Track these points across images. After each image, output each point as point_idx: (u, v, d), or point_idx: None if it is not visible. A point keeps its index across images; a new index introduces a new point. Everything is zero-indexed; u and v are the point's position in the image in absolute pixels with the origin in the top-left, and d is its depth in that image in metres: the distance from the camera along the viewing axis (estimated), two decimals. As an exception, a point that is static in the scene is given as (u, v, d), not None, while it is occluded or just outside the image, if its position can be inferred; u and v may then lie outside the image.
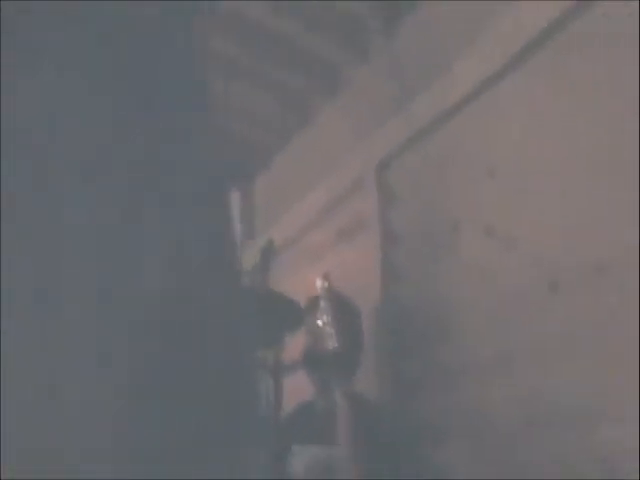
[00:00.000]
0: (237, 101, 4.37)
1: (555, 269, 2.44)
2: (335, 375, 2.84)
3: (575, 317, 2.36)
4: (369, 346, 3.17)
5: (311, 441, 2.78)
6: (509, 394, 2.58)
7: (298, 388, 2.97)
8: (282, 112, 4.48)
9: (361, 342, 3.04)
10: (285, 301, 2.72)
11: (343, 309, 2.98)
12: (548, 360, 2.43)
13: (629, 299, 2.14)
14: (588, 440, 2.23)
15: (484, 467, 2.65)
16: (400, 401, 3.10)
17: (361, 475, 2.53)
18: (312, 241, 4.05)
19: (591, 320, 2.29)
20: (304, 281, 3.97)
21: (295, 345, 2.91)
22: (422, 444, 2.90)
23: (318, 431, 2.83)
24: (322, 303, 2.40)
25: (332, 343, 2.29)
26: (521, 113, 2.70)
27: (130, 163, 0.87)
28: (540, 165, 2.58)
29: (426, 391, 3.01)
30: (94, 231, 0.83)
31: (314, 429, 2.86)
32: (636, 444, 2.02)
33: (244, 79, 4.17)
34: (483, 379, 2.73)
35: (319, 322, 2.42)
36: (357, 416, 2.79)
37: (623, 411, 2.15)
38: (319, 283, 2.42)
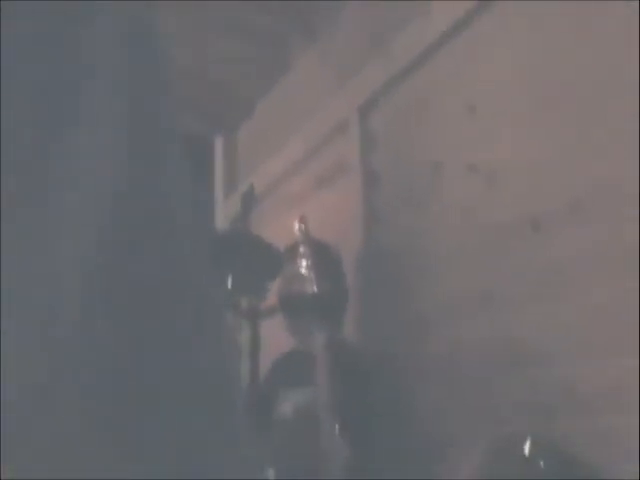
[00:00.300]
0: (216, 49, 4.31)
1: (536, 207, 2.41)
2: (316, 321, 2.82)
3: (557, 256, 2.33)
4: (350, 290, 3.15)
5: (295, 385, 2.77)
6: (488, 335, 2.56)
7: (277, 335, 2.96)
8: (262, 58, 4.41)
9: (342, 287, 3.01)
10: (265, 246, 2.68)
11: (322, 253, 2.95)
12: (528, 301, 2.40)
13: (608, 235, 2.11)
14: (566, 380, 2.21)
15: (461, 410, 2.64)
16: (380, 345, 3.07)
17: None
18: (293, 187, 4.00)
19: (573, 258, 2.27)
20: (285, 228, 3.94)
21: (275, 291, 2.89)
22: (401, 389, 2.88)
23: (300, 377, 2.82)
24: (301, 247, 2.35)
25: (312, 288, 2.25)
26: (501, 50, 2.64)
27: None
28: (520, 102, 2.53)
29: (406, 334, 2.99)
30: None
31: (296, 375, 2.85)
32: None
33: (222, 26, 4.10)
34: (463, 321, 2.71)
35: (299, 267, 2.37)
36: (337, 363, 2.77)
37: (605, 351, 2.13)
38: (296, 226, 2.37)
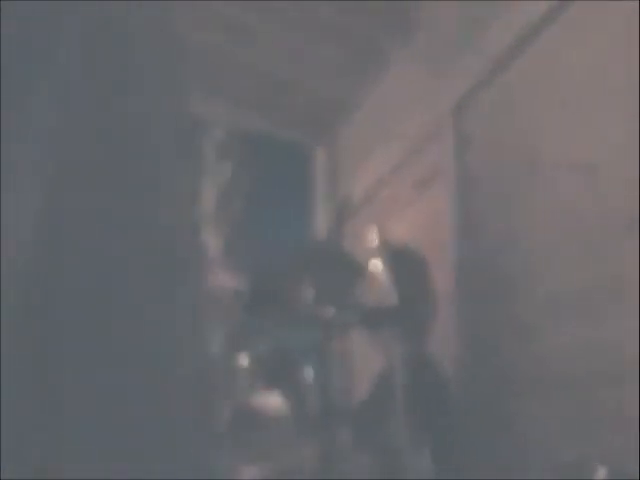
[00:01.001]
0: (312, 56, 4.29)
1: (634, 204, 2.26)
2: (394, 333, 2.72)
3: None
4: (437, 299, 3.05)
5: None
6: (589, 338, 2.42)
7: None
8: (358, 62, 4.36)
9: (426, 297, 2.90)
10: (349, 258, 2.60)
11: (404, 262, 2.86)
12: (627, 302, 2.26)
13: None
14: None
15: (566, 421, 2.50)
16: (477, 356, 2.96)
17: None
18: (391, 192, 3.92)
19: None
20: (383, 234, 3.88)
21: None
22: (499, 400, 2.76)
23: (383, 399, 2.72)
24: (379, 257, 2.26)
25: (389, 299, 2.16)
26: (593, 39, 2.50)
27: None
28: (618, 92, 2.39)
29: (505, 342, 2.86)
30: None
31: (380, 397, 2.75)
32: None
33: (318, 30, 4.07)
34: (562, 326, 2.57)
35: (379, 278, 2.28)
36: (415, 378, 2.65)
37: None
38: (370, 237, 2.28)
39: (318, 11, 3.93)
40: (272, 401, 2.24)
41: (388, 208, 3.89)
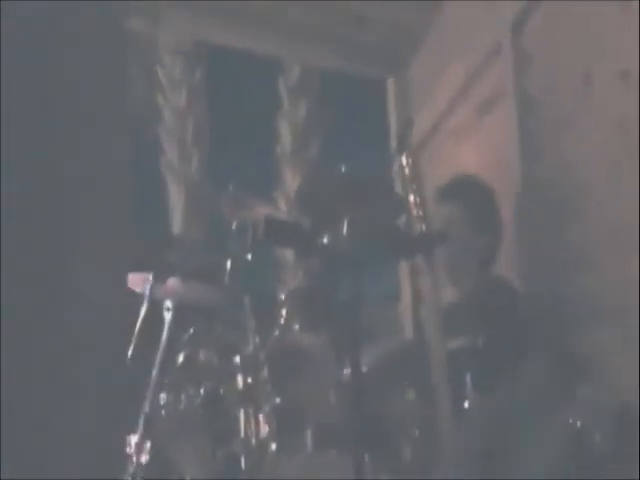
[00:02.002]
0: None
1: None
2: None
3: None
4: (511, 223, 2.94)
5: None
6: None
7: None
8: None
9: (495, 224, 2.81)
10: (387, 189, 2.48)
11: (471, 192, 2.78)
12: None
13: None
14: None
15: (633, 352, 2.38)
16: (540, 283, 2.85)
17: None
18: (457, 118, 3.78)
19: None
20: (450, 162, 3.77)
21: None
22: (564, 328, 2.65)
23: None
24: (409, 181, 2.16)
25: (419, 226, 2.07)
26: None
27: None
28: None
29: (566, 271, 2.74)
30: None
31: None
32: None
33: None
34: (624, 255, 2.44)
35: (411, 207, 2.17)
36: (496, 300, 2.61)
37: None
38: (404, 162, 2.17)
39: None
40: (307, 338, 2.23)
41: (454, 135, 3.76)
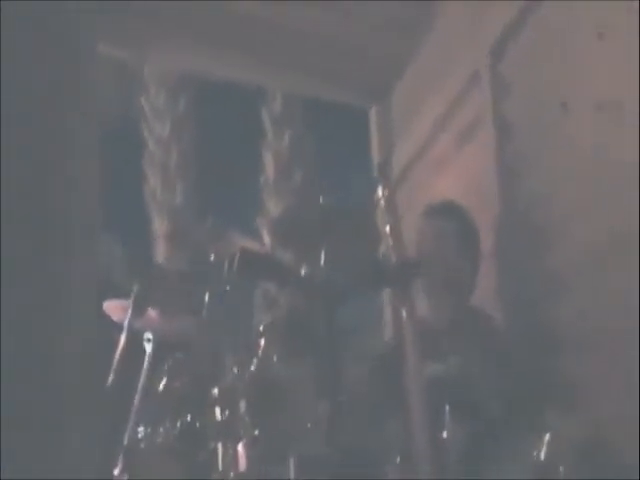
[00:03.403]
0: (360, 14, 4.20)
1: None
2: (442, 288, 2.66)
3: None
4: (489, 252, 2.95)
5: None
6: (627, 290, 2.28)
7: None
8: (405, 18, 4.23)
9: (472, 253, 2.82)
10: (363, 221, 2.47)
11: (448, 220, 2.79)
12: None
13: None
14: None
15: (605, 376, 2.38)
16: (519, 310, 2.85)
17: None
18: (438, 147, 3.79)
19: None
20: (431, 191, 3.77)
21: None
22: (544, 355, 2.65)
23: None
24: (385, 212, 2.16)
25: (395, 257, 2.05)
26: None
27: None
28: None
29: (545, 298, 2.74)
30: None
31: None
32: None
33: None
34: (599, 272, 2.44)
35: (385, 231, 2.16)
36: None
37: None
38: (379, 193, 2.17)
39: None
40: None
41: (434, 164, 3.77)
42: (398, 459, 2.22)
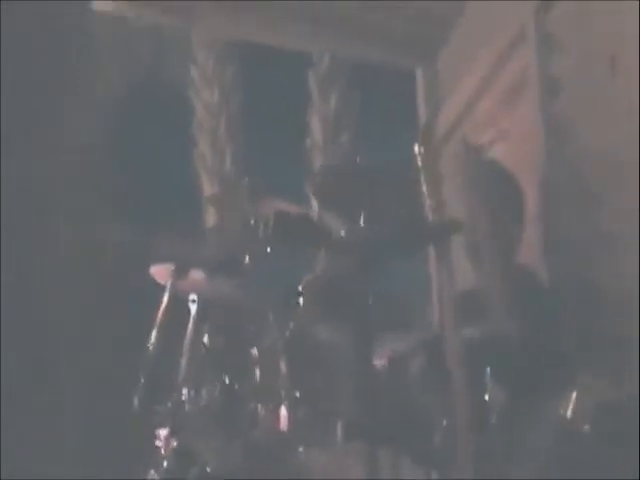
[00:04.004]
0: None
1: None
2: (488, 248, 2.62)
3: None
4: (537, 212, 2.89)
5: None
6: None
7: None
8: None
9: (518, 212, 2.76)
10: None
11: (493, 179, 2.72)
12: None
13: None
14: None
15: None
16: (568, 268, 2.79)
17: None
18: (484, 107, 3.72)
19: None
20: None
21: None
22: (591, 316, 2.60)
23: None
24: (422, 171, 2.11)
25: (433, 216, 2.01)
26: None
27: None
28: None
29: (593, 259, 2.68)
30: None
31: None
32: None
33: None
34: None
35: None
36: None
37: None
38: (415, 150, 2.12)
39: None
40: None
41: (480, 124, 3.70)
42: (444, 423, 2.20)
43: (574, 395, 1.81)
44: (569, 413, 1.77)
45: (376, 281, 2.06)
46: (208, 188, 7.64)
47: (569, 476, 1.81)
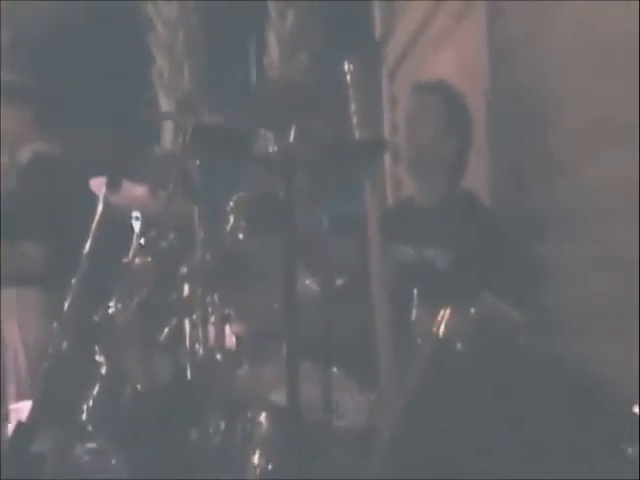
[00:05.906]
0: None
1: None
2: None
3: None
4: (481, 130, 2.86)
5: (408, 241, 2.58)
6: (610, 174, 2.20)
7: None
8: None
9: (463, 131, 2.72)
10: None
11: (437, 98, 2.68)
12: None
13: None
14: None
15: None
16: (511, 195, 2.78)
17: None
18: (435, 26, 3.66)
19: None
20: (428, 70, 3.66)
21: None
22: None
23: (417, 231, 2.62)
24: (350, 89, 2.06)
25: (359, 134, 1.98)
26: None
27: None
28: None
29: (539, 181, 2.67)
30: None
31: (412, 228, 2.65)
32: None
33: None
34: (586, 159, 2.36)
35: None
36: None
37: None
38: (345, 68, 2.06)
39: None
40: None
41: (432, 42, 3.64)
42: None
43: (446, 312, 1.80)
44: (441, 330, 1.77)
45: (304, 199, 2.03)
46: (165, 104, 7.52)
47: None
